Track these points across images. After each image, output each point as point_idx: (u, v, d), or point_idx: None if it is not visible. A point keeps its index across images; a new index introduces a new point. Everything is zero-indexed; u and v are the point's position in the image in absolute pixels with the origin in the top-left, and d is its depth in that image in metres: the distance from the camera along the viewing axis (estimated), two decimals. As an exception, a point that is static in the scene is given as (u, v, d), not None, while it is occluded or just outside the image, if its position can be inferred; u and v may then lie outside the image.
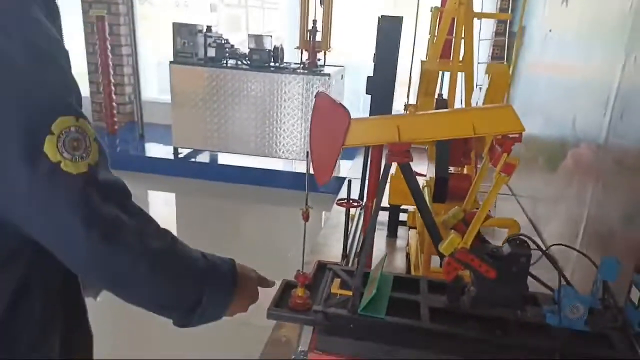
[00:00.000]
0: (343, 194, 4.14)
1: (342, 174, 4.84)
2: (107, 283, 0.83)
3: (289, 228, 4.29)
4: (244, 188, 4.85)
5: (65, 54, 0.76)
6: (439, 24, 2.78)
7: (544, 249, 1.06)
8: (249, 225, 4.34)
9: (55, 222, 0.72)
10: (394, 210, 3.26)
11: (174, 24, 4.61)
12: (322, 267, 1.28)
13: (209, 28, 4.83)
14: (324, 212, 4.41)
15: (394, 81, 1.50)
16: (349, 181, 2.76)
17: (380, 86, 1.49)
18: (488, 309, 1.05)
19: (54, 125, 0.69)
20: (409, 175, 1.02)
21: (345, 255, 2.86)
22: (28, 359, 0.82)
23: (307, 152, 1.06)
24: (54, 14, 0.78)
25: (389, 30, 1.45)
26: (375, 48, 1.47)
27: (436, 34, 2.73)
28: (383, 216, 3.45)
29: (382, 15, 1.47)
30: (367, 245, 1.08)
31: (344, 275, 1.19)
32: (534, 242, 1.06)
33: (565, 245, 1.22)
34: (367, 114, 5.99)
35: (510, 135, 0.97)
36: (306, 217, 1.14)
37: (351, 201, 2.77)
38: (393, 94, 1.51)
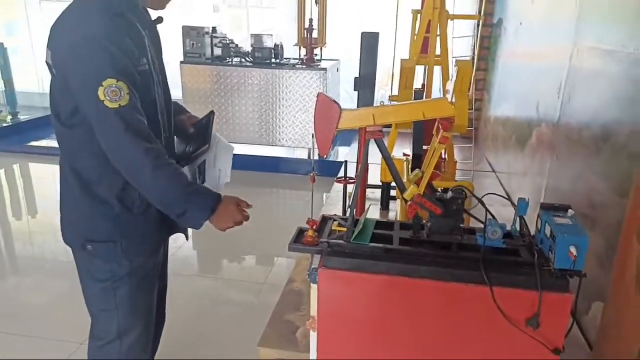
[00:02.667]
0: (342, 174, 4.64)
1: (340, 159, 5.34)
2: (122, 168, 1.43)
3: (293, 207, 4.79)
4: (251, 174, 5.33)
5: (120, 49, 1.36)
6: (418, 24, 3.25)
7: (480, 198, 1.55)
8: (257, 205, 4.83)
9: (101, 124, 1.38)
10: (385, 186, 3.74)
11: (183, 27, 5.06)
12: (325, 218, 1.78)
13: (214, 29, 5.28)
14: (324, 193, 4.91)
15: (375, 81, 1.98)
16: (345, 162, 3.26)
17: (364, 85, 1.97)
18: (439, 237, 1.55)
19: (104, 82, 1.32)
20: (382, 146, 1.51)
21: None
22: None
23: (312, 134, 1.55)
24: (124, 26, 1.41)
25: (369, 44, 1.92)
26: (360, 56, 1.94)
27: (415, 33, 3.19)
28: (376, 193, 3.95)
29: (363, 32, 1.94)
30: (355, 195, 1.57)
31: (341, 220, 1.68)
32: (470, 192, 1.56)
33: (496, 194, 1.71)
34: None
35: (446, 118, 1.46)
36: (313, 179, 1.64)
37: (347, 178, 3.26)
38: (374, 90, 1.99)
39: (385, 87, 6.59)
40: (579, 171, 2.61)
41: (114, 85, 1.32)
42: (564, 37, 2.99)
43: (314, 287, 1.56)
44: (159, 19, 1.60)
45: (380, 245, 1.53)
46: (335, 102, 1.50)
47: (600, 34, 2.55)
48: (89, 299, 1.69)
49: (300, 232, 1.68)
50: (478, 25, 4.13)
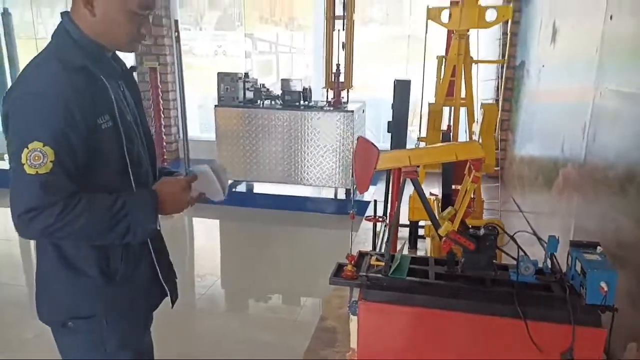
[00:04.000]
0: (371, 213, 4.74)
1: (365, 199, 5.44)
2: (38, 233, 1.25)
3: (319, 246, 4.87)
4: (278, 213, 5.49)
5: (67, 109, 1.23)
6: (443, 69, 3.41)
7: (512, 235, 1.64)
8: (284, 244, 4.93)
9: (15, 188, 1.23)
10: (414, 225, 3.82)
11: (218, 73, 5.37)
12: (362, 254, 1.88)
13: (246, 74, 5.58)
14: (352, 232, 5.00)
15: (407, 124, 2.12)
16: (375, 201, 3.37)
17: (397, 128, 2.12)
18: (472, 272, 1.63)
19: (30, 144, 1.20)
20: (417, 185, 1.63)
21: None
22: None
23: (352, 174, 1.68)
24: (83, 81, 1.29)
25: (401, 90, 2.08)
26: (393, 101, 2.09)
27: (441, 78, 3.35)
28: (404, 232, 4.02)
29: (396, 80, 2.10)
30: (392, 231, 1.68)
31: (378, 256, 1.79)
32: (502, 229, 1.65)
33: (526, 232, 1.79)
34: (386, 141, 6.50)
35: (477, 159, 1.57)
36: (352, 217, 1.75)
37: (377, 217, 3.36)
38: (406, 133, 2.13)
39: (411, 126, 6.76)
40: (606, 211, 2.66)
41: (38, 150, 1.20)
42: (586, 80, 3.11)
43: (354, 319, 1.65)
44: (133, 68, 1.55)
45: (417, 279, 1.62)
46: (374, 144, 1.64)
47: (620, 78, 2.66)
48: None
49: (340, 267, 1.79)
50: (502, 68, 4.28)
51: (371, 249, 3.46)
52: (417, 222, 3.80)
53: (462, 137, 3.54)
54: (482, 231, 1.62)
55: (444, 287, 1.59)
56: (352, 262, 1.73)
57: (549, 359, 1.48)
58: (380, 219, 3.41)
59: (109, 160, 1.36)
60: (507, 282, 1.58)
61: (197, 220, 5.52)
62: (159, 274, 1.55)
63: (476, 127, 2.96)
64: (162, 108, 6.21)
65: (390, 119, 2.17)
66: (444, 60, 3.46)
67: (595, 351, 1.47)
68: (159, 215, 1.39)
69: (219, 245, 5.08)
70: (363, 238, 4.19)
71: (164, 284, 1.58)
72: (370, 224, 4.37)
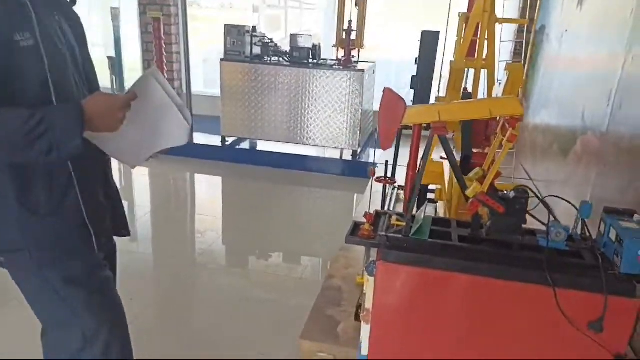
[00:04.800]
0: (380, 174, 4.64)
1: (369, 160, 5.34)
2: None
3: (323, 207, 4.80)
4: (282, 172, 5.38)
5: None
6: (465, 27, 3.24)
7: (542, 199, 1.54)
8: (288, 204, 4.85)
9: None
10: (423, 189, 3.72)
11: (225, 25, 5.14)
12: (379, 214, 1.79)
13: (254, 28, 5.35)
14: (355, 194, 4.92)
15: (432, 79, 1.99)
16: (386, 162, 3.26)
17: (421, 83, 1.99)
18: (498, 236, 1.54)
19: None
20: (446, 144, 1.52)
21: (382, 225, 3.35)
22: None
23: (376, 128, 1.56)
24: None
25: (428, 42, 1.93)
26: (419, 54, 1.96)
27: (463, 37, 3.18)
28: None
29: (423, 31, 1.96)
30: (415, 190, 1.58)
31: (398, 216, 1.69)
32: (533, 192, 1.55)
33: (556, 196, 1.69)
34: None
35: (515, 117, 1.46)
36: (373, 173, 1.65)
37: (388, 179, 3.26)
38: (431, 89, 2.00)
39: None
40: (630, 180, 2.56)
41: None
42: (617, 44, 2.94)
43: (370, 279, 1.57)
44: (73, 2, 1.47)
45: (440, 241, 1.53)
46: (401, 97, 1.52)
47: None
48: (39, 313, 1.50)
49: (356, 225, 1.70)
50: (523, 31, 4.09)
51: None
52: (427, 186, 3.70)
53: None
54: (512, 194, 1.53)
55: (468, 251, 1.50)
56: (370, 221, 1.64)
57: (577, 327, 1.41)
58: (391, 181, 3.31)
59: (29, 82, 1.25)
60: (536, 248, 1.50)
61: (199, 177, 5.43)
62: (83, 210, 1.41)
63: (497, 89, 2.82)
64: (165, 61, 6.00)
65: (414, 74, 2.05)
66: (467, 18, 3.28)
67: (627, 323, 1.40)
68: (93, 135, 1.29)
69: (222, 202, 5.00)
70: (368, 200, 4.11)
71: (88, 223, 1.42)
72: (379, 186, 4.29)
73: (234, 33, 5.15)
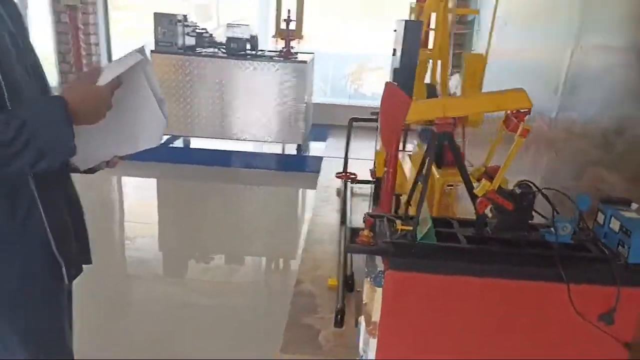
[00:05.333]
0: (327, 170, 4.54)
1: (313, 154, 5.23)
2: None
3: (268, 204, 4.62)
4: (223, 170, 5.10)
5: None
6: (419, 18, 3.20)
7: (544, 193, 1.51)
8: (228, 203, 4.59)
9: None
10: (379, 182, 3.69)
11: (155, 14, 4.75)
12: (372, 216, 1.68)
13: (185, 17, 5.00)
14: (300, 189, 4.79)
15: (415, 72, 1.91)
16: (345, 156, 3.16)
17: (405, 75, 1.90)
18: (504, 234, 1.50)
19: None
20: (451, 141, 1.43)
21: (343, 221, 3.27)
22: None
23: (377, 127, 1.45)
24: None
25: (411, 32, 1.84)
26: (402, 46, 1.86)
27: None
28: (364, 189, 3.89)
29: (406, 21, 1.87)
30: (423, 193, 1.48)
31: (394, 219, 1.59)
32: (535, 185, 1.52)
33: (554, 189, 1.68)
34: (333, 98, 6.44)
35: (522, 110, 1.40)
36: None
37: (349, 174, 3.18)
38: (414, 81, 1.91)
39: (358, 81, 6.58)
40: (583, 165, 2.68)
41: None
42: (563, 35, 3.05)
43: (378, 290, 1.46)
44: None
45: (450, 244, 1.45)
46: (404, 93, 1.41)
47: (604, 32, 2.62)
48: None
49: (353, 232, 1.58)
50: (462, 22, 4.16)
51: (342, 212, 3.29)
52: (379, 179, 3.67)
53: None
54: (517, 190, 1.48)
55: (480, 252, 1.44)
56: (369, 227, 1.52)
57: (588, 321, 1.40)
58: (353, 176, 3.23)
59: None
60: (543, 244, 1.47)
61: (129, 180, 4.97)
62: (50, 238, 1.17)
63: (454, 81, 2.81)
64: (83, 53, 5.45)
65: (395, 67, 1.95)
66: (420, 8, 3.26)
67: (635, 311, 1.41)
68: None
69: (156, 206, 4.60)
70: (324, 195, 4.00)
71: (56, 252, 1.18)
72: (330, 182, 4.19)
73: (165, 22, 4.77)
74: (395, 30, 2.09)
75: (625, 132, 2.31)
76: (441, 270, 1.42)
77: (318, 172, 4.68)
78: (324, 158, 4.90)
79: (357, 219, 3.40)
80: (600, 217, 1.54)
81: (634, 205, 1.50)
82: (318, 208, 3.73)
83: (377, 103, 5.94)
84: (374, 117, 3.96)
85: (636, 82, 2.27)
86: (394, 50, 2.03)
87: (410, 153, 3.49)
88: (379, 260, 1.50)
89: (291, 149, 5.28)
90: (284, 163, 5.21)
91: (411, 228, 1.47)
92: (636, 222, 1.40)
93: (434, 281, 1.42)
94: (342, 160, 4.07)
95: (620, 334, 1.42)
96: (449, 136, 1.44)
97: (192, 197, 4.62)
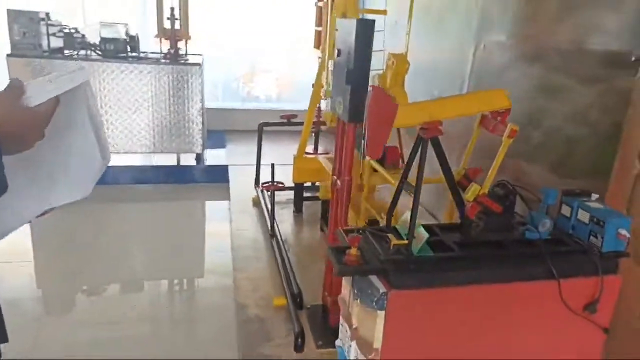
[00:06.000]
0: (237, 180, 4.25)
1: (211, 162, 4.90)
2: None
3: (170, 221, 4.14)
4: (112, 188, 4.50)
5: None
6: (325, 18, 3.13)
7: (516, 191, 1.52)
8: (123, 223, 4.04)
9: None
10: (299, 188, 3.55)
11: (8, 10, 3.98)
12: (347, 231, 1.55)
13: (48, 15, 4.29)
14: (205, 202, 4.44)
15: (369, 73, 1.80)
16: (272, 165, 2.97)
17: (358, 76, 1.78)
18: (489, 236, 1.47)
19: None
20: (438, 147, 1.36)
21: (273, 234, 3.07)
22: None
23: (362, 134, 1.31)
24: None
25: (364, 32, 1.73)
26: (355, 46, 1.74)
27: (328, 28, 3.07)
28: (286, 195, 3.72)
29: (359, 20, 1.75)
30: (417, 197, 1.38)
31: (378, 233, 1.48)
32: (511, 185, 1.52)
33: (519, 186, 1.71)
34: (226, 102, 6.11)
35: (501, 110, 1.38)
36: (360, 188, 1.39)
37: (276, 183, 2.98)
38: (368, 83, 1.81)
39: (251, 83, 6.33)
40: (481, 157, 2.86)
41: None
42: (465, 36, 3.22)
43: (380, 314, 1.33)
44: None
45: (445, 254, 1.38)
46: (391, 96, 1.29)
47: (503, 27, 2.82)
48: None
49: (338, 251, 1.43)
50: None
51: (270, 224, 3.08)
52: (302, 184, 3.54)
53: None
54: (497, 190, 1.46)
55: (477, 259, 1.39)
56: (357, 245, 1.38)
57: (574, 312, 1.44)
58: (274, 187, 3.03)
59: None
60: (527, 242, 1.47)
61: None
62: None
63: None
64: None
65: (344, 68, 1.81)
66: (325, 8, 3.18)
67: (612, 297, 1.48)
68: None
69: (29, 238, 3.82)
70: (240, 207, 3.74)
71: None
72: (244, 192, 3.89)
73: (23, 21, 4.04)
74: (337, 30, 1.97)
75: (542, 124, 2.50)
76: (444, 283, 1.34)
77: (224, 182, 4.38)
78: (229, 166, 4.60)
79: (285, 229, 3.22)
80: (566, 210, 1.59)
81: (594, 196, 1.58)
82: (237, 221, 3.47)
83: (277, 106, 5.73)
84: (285, 120, 3.82)
85: (543, 77, 2.46)
86: (339, 50, 1.91)
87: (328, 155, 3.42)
88: (375, 280, 1.36)
89: (188, 159, 4.87)
90: (183, 175, 4.77)
91: (406, 242, 1.37)
92: (606, 212, 1.47)
93: (437, 295, 1.34)
94: (251, 167, 3.85)
95: (600, 320, 1.49)
96: (436, 141, 1.36)
97: (72, 223, 3.91)
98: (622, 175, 1.79)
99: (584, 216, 1.52)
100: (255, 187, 3.90)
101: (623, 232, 1.43)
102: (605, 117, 2.10)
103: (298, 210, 3.62)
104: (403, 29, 4.31)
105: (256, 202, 3.72)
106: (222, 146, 5.34)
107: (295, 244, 3.11)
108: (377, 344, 1.36)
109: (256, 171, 3.90)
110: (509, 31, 2.77)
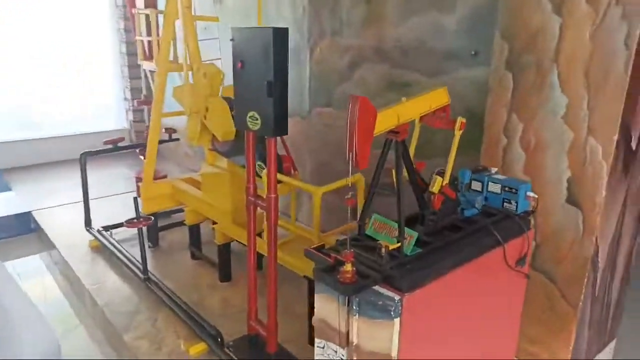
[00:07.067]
0: (56, 224, 3.46)
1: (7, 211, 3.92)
2: None
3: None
4: None
5: None
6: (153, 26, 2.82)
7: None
8: None
9: None
10: (154, 219, 3.11)
11: None
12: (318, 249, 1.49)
13: None
14: (21, 260, 3.53)
15: (287, 84, 1.71)
16: (135, 199, 2.55)
17: (281, 88, 1.67)
18: (447, 221, 1.61)
19: None
20: (405, 149, 1.42)
21: (147, 277, 2.66)
22: None
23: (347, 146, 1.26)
24: None
25: (280, 40, 1.61)
26: (273, 57, 1.61)
27: (159, 37, 2.79)
28: (129, 231, 3.23)
29: (274, 28, 1.60)
30: (400, 205, 1.40)
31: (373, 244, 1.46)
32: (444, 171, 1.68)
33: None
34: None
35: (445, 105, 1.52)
36: (352, 203, 1.34)
37: (141, 219, 2.57)
38: (287, 93, 1.71)
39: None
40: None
41: None
42: (300, 39, 3.33)
43: (395, 322, 1.32)
44: None
45: (430, 246, 1.46)
46: (370, 103, 1.29)
47: (346, 32, 3.04)
48: None
49: (325, 271, 1.36)
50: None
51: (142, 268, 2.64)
52: (155, 213, 3.12)
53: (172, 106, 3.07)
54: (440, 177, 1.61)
55: (451, 243, 1.51)
56: (351, 260, 1.34)
57: (513, 269, 1.70)
58: (145, 222, 2.56)
59: None
60: (470, 220, 1.66)
61: None
62: None
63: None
64: None
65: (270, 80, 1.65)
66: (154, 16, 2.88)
67: (529, 248, 1.80)
68: None
69: None
70: (76, 257, 3.07)
71: None
72: (75, 238, 3.15)
73: None
74: (232, 40, 1.79)
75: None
76: (438, 274, 1.41)
77: (28, 232, 3.56)
78: (33, 212, 3.73)
79: (150, 267, 2.79)
80: (477, 185, 1.84)
81: (493, 169, 1.88)
82: (85, 274, 2.85)
83: (68, 131, 4.90)
84: (110, 146, 3.31)
85: (392, 74, 2.75)
86: (242, 62, 1.75)
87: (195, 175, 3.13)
88: (382, 290, 1.34)
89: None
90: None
91: (399, 245, 1.39)
92: (513, 181, 1.77)
93: (436, 287, 1.40)
94: (64, 207, 3.22)
95: (524, 270, 1.79)
96: (403, 145, 1.42)
97: None
98: (491, 149, 2.17)
99: (495, 187, 1.80)
100: (87, 229, 3.28)
101: (530, 194, 1.75)
102: (455, 104, 2.49)
103: (154, 244, 3.19)
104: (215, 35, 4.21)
105: (97, 247, 3.13)
106: (6, 189, 4.29)
107: (175, 280, 2.75)
108: (395, 353, 1.35)
109: (85, 210, 3.27)
110: (353, 33, 2.97)
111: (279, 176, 2.27)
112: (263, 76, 1.67)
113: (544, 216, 2.02)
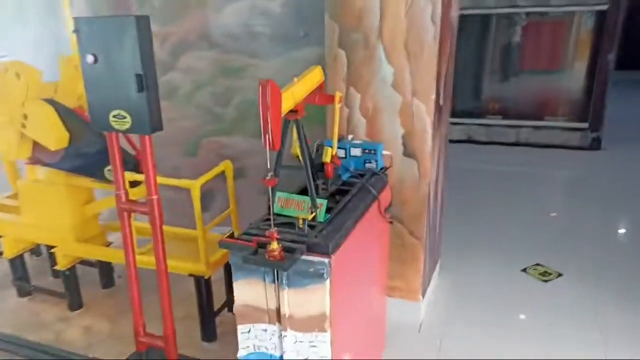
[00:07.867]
0: None
1: None
2: None
3: None
4: None
5: None
6: None
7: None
8: None
9: None
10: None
11: None
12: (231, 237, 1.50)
13: None
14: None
15: (156, 75, 1.57)
16: None
17: (152, 81, 1.53)
18: (333, 186, 1.79)
19: None
20: (301, 128, 1.52)
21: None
22: None
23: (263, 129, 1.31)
24: None
25: (145, 30, 1.45)
26: (140, 48, 1.44)
27: None
28: None
29: (137, 16, 1.41)
30: (309, 173, 1.49)
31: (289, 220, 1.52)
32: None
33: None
34: None
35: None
36: (272, 182, 1.38)
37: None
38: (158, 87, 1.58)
39: None
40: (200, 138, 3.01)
41: None
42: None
43: (326, 283, 1.45)
44: None
45: (338, 206, 1.62)
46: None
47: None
48: None
49: (250, 254, 1.41)
50: None
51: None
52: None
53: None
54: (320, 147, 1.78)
55: (350, 203, 1.69)
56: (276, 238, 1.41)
57: (385, 218, 2.00)
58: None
59: None
60: (350, 183, 1.88)
61: None
62: None
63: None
64: None
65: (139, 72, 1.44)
66: None
67: (390, 198, 2.11)
68: None
69: None
70: None
71: None
72: None
73: None
74: (76, 32, 1.52)
75: (231, 101, 2.81)
76: (347, 232, 1.57)
77: None
78: None
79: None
80: (340, 152, 2.07)
81: (349, 136, 2.13)
82: None
83: None
84: None
85: (223, 60, 2.74)
86: (94, 57, 1.51)
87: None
88: (310, 257, 1.44)
89: None
90: None
91: (312, 215, 1.50)
92: (372, 144, 2.05)
93: (348, 244, 1.57)
94: None
95: (387, 217, 2.11)
96: (299, 124, 1.51)
97: None
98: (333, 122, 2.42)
99: (356, 151, 2.05)
100: None
101: (385, 152, 2.06)
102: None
103: None
104: None
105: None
106: None
107: (10, 325, 2.28)
108: (328, 310, 1.48)
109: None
110: (170, 20, 2.79)
111: (138, 176, 2.11)
112: (127, 69, 1.52)
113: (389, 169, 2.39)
